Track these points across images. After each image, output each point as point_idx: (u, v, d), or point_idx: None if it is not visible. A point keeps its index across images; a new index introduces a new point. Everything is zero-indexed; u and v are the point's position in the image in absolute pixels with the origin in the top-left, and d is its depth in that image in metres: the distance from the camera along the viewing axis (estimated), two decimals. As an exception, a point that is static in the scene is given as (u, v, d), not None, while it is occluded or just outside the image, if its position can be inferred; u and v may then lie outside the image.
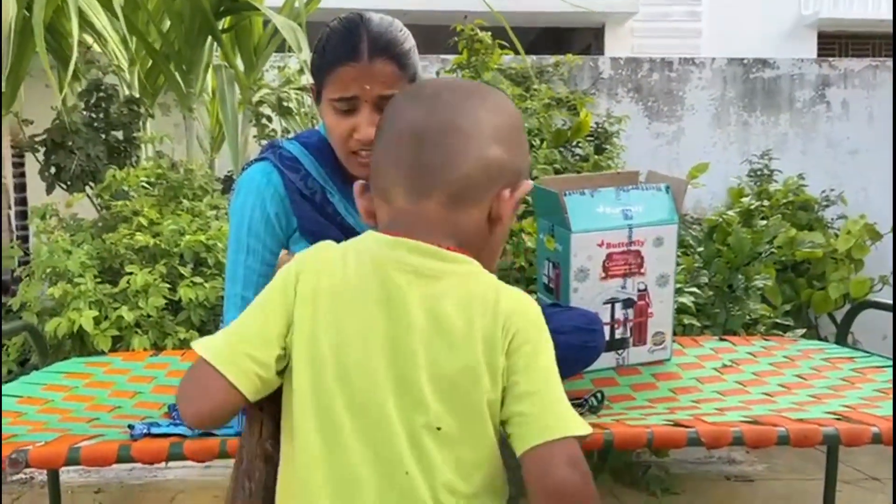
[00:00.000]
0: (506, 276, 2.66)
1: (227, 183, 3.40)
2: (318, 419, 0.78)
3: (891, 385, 1.68)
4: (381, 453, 0.77)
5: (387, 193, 0.85)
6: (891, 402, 1.52)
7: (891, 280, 3.26)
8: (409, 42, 1.41)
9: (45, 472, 2.17)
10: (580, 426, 0.77)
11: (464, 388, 0.77)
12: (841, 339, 2.17)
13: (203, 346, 0.81)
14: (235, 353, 0.80)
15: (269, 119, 3.37)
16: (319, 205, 1.45)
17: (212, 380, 0.79)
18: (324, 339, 0.79)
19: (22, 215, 3.33)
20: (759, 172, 3.66)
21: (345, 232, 1.47)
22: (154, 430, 1.40)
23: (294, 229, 1.44)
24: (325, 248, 0.86)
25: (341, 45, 1.36)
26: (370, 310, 0.79)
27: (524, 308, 0.81)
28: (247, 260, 1.42)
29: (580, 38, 8.23)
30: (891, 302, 2.02)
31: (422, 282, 0.79)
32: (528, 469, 0.76)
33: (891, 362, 1.88)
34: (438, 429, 0.76)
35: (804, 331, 2.86)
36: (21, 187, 3.34)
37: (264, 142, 3.28)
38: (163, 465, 2.50)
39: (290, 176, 1.43)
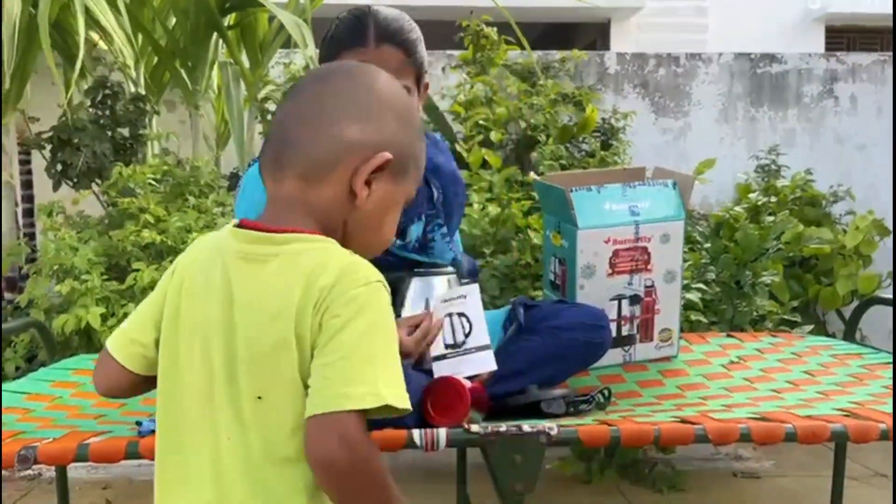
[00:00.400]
0: (511, 272, 2.65)
1: (233, 180, 3.40)
2: (165, 396, 0.88)
3: (899, 382, 1.68)
4: (210, 421, 0.83)
5: (263, 180, 0.92)
6: (900, 398, 1.51)
7: (899, 276, 3.25)
8: (417, 33, 1.43)
9: (52, 468, 2.17)
10: (361, 402, 0.76)
11: (278, 360, 0.80)
12: (849, 336, 2.16)
13: (109, 336, 0.98)
14: (125, 338, 0.94)
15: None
16: None
17: (109, 362, 0.95)
18: (177, 326, 0.87)
19: (29, 212, 3.34)
20: (766, 168, 3.65)
21: None
22: (161, 427, 1.40)
23: None
24: (202, 240, 0.93)
25: (349, 32, 1.38)
26: (209, 298, 0.85)
27: (343, 284, 0.80)
28: None
29: (585, 33, 8.20)
30: (899, 298, 2.01)
31: (251, 267, 0.84)
32: (304, 439, 0.78)
33: (899, 359, 1.87)
34: (259, 398, 0.81)
35: (812, 327, 2.85)
36: (28, 184, 3.35)
37: (270, 139, 3.28)
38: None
39: None
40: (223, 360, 0.83)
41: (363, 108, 0.88)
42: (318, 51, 3.03)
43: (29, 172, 3.35)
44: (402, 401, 0.79)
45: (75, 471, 2.48)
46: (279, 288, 0.81)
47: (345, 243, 0.88)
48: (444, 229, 1.62)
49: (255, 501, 0.81)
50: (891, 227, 3.27)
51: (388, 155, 0.87)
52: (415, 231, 1.55)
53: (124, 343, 0.94)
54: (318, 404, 0.77)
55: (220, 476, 0.82)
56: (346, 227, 0.89)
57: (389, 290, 0.85)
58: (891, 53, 3.98)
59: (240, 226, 0.88)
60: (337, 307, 0.79)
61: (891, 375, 1.76)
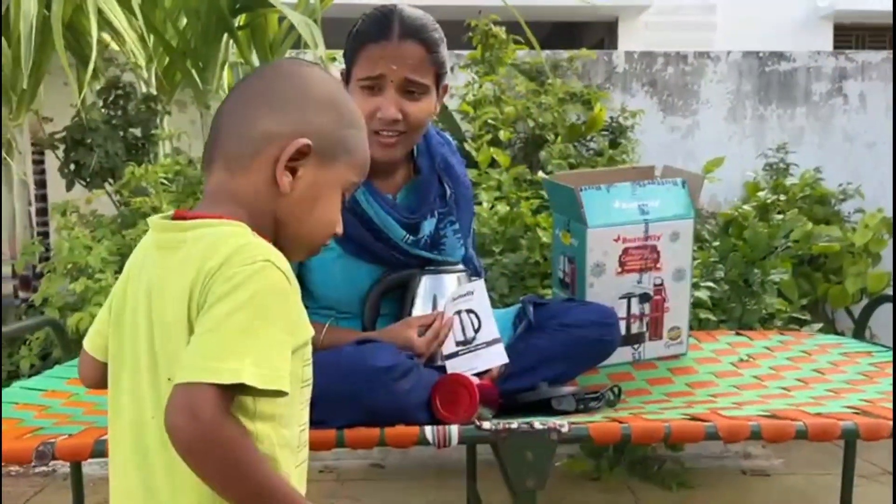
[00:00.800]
0: (520, 270, 2.66)
1: (244, 179, 3.42)
2: (111, 379, 0.93)
3: (909, 379, 1.68)
4: (139, 403, 0.88)
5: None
6: (909, 396, 1.52)
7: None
8: (440, 34, 1.49)
9: (67, 464, 2.20)
10: (216, 376, 0.76)
11: (180, 343, 0.83)
12: (858, 334, 2.17)
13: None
14: (93, 330, 1.01)
15: (285, 115, 3.39)
16: None
17: (84, 355, 1.02)
18: (118, 314, 0.92)
19: (43, 212, 3.37)
20: (775, 166, 3.64)
21: (362, 221, 1.50)
22: (177, 424, 1.42)
23: None
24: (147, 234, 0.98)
25: (374, 26, 1.44)
26: (137, 287, 0.89)
27: (228, 264, 0.81)
28: None
29: (593, 32, 8.21)
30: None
31: (162, 254, 0.88)
32: None
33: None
34: (168, 379, 0.82)
35: (821, 325, 2.85)
36: (41, 184, 3.39)
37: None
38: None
39: None
40: (146, 344, 0.86)
41: (282, 99, 0.92)
42: (327, 51, 3.06)
43: (42, 172, 3.39)
44: (267, 381, 0.78)
45: (89, 467, 2.49)
46: (179, 273, 0.84)
47: (277, 237, 0.91)
48: (457, 226, 1.63)
49: (170, 481, 0.84)
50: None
51: (304, 140, 0.89)
52: (427, 227, 1.57)
53: (92, 335, 1.01)
54: (179, 374, 0.78)
55: (144, 457, 0.87)
56: (276, 216, 0.91)
57: (286, 270, 0.84)
58: (900, 51, 3.98)
59: (168, 217, 0.91)
60: (216, 286, 0.80)
61: (900, 373, 1.76)
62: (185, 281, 0.82)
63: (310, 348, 0.91)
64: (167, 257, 0.87)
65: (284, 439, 0.86)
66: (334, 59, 3.43)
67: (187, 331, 0.82)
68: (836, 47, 7.52)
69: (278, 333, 0.81)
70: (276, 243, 0.89)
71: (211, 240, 0.84)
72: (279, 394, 0.80)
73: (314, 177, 0.91)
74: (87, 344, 1.01)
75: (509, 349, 1.56)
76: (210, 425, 0.75)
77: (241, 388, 0.78)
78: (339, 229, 0.97)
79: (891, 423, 1.35)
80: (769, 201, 3.27)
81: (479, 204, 2.83)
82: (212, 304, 0.80)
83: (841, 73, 3.94)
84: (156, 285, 0.86)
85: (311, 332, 0.90)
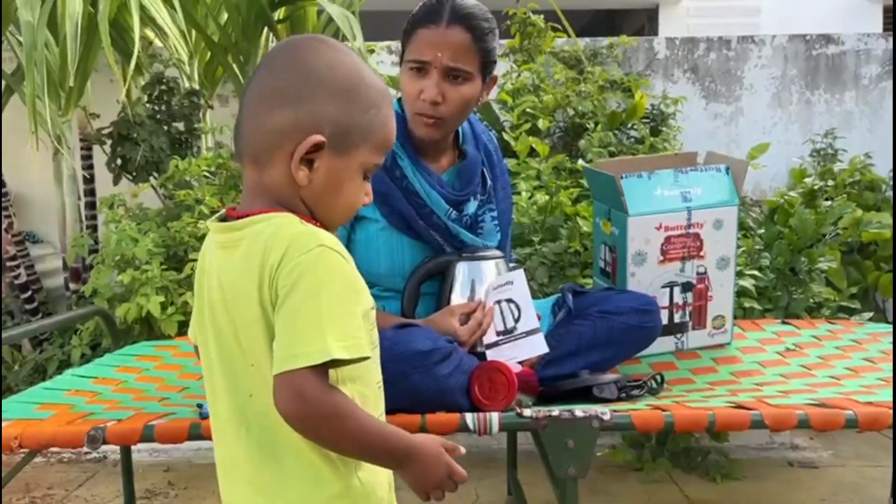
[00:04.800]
0: (560, 260, 2.65)
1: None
2: (204, 361, 0.98)
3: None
4: (234, 387, 0.93)
5: None
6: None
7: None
8: (491, 24, 1.52)
9: (117, 451, 2.26)
10: (308, 359, 0.83)
11: (257, 333, 0.89)
12: (894, 320, 2.10)
13: None
14: (191, 324, 1.03)
15: (324, 108, 3.42)
16: (388, 167, 1.53)
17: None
18: (200, 307, 0.97)
19: (91, 205, 3.45)
20: (822, 152, 3.55)
21: (408, 195, 1.53)
22: (222, 410, 1.45)
23: None
24: None
25: (426, 10, 1.50)
26: (210, 283, 0.94)
27: (288, 256, 0.87)
28: None
29: (633, 19, 8.08)
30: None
31: (225, 253, 0.93)
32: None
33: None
34: (252, 365, 0.90)
35: (871, 314, 2.78)
36: (90, 179, 3.47)
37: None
38: (227, 445, 2.58)
39: None
40: (231, 335, 0.92)
41: (295, 91, 0.92)
42: (366, 43, 3.07)
43: (91, 167, 3.47)
44: (353, 351, 0.86)
45: (138, 454, 2.57)
46: (245, 269, 0.89)
47: (313, 215, 0.95)
48: (495, 213, 1.65)
49: (272, 451, 0.90)
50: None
51: (316, 138, 0.90)
52: (470, 207, 1.61)
53: (191, 326, 1.04)
54: (275, 366, 0.85)
55: (248, 429, 0.92)
56: (306, 203, 0.94)
57: (338, 248, 0.89)
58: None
59: (223, 217, 0.96)
60: (282, 279, 0.86)
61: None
62: (253, 278, 0.88)
63: (374, 313, 0.96)
64: (230, 256, 0.92)
65: (365, 397, 0.93)
66: (372, 52, 3.44)
67: (263, 322, 0.88)
68: (885, 29, 7.28)
69: (350, 306, 0.88)
70: (317, 223, 0.95)
71: (267, 235, 0.89)
72: (363, 359, 0.88)
73: (332, 166, 0.92)
74: (190, 334, 1.05)
75: (548, 336, 1.56)
76: (317, 402, 0.84)
77: (333, 362, 0.85)
78: (369, 199, 0.98)
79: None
80: (816, 188, 3.19)
81: (518, 194, 2.82)
82: (283, 297, 0.86)
83: (891, 55, 3.82)
84: (227, 283, 0.92)
85: (371, 299, 0.95)
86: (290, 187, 0.92)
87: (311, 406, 0.84)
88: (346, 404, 0.87)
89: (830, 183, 3.26)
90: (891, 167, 3.46)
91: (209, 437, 1.35)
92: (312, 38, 0.99)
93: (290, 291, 0.86)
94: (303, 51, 0.95)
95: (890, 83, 3.81)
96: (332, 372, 0.88)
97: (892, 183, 3.39)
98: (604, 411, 1.33)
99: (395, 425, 1.17)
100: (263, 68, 0.96)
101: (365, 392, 0.93)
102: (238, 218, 0.92)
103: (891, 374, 1.67)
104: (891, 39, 3.84)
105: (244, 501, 0.93)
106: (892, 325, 2.31)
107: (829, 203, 3.03)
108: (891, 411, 1.31)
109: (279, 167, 0.91)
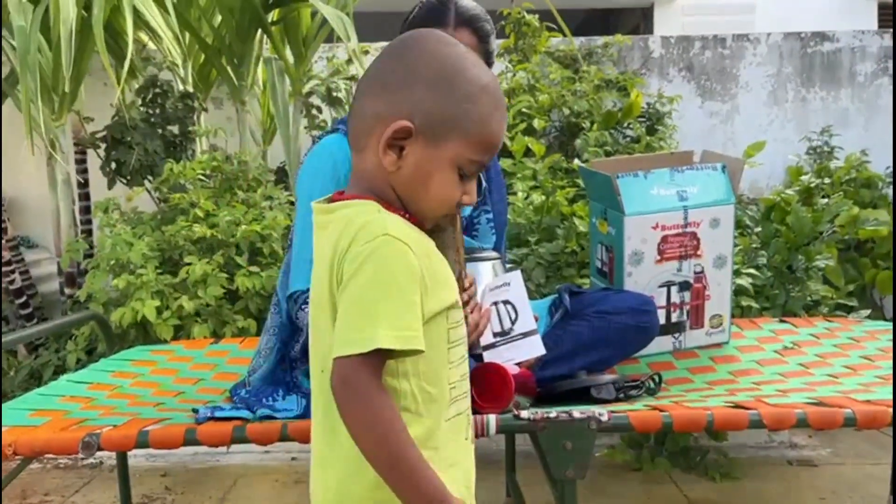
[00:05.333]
0: (557, 260, 2.64)
1: (280, 174, 3.45)
2: None
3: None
4: (316, 361, 0.96)
5: None
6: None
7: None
8: (491, 25, 1.55)
9: (113, 456, 2.25)
10: (355, 347, 0.85)
11: (328, 313, 0.92)
12: (894, 315, 2.10)
13: None
14: None
15: (319, 110, 3.41)
16: None
17: None
18: None
19: (86, 210, 3.44)
20: (818, 150, 3.55)
21: None
22: (217, 414, 1.44)
23: None
24: None
25: (431, 13, 1.50)
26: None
27: (354, 243, 0.89)
28: None
29: (628, 18, 8.08)
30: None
31: (318, 234, 0.97)
32: None
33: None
34: (325, 342, 0.92)
35: (869, 312, 2.77)
36: (84, 183, 3.46)
37: (315, 133, 3.32)
38: (224, 450, 2.57)
39: None
40: (317, 310, 0.95)
41: (393, 78, 0.94)
42: (360, 44, 3.06)
43: (85, 171, 3.46)
44: (405, 342, 0.85)
45: (134, 459, 2.55)
46: (324, 252, 0.93)
47: (404, 205, 0.95)
48: (490, 216, 1.63)
49: (328, 427, 0.93)
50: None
51: (402, 123, 0.91)
52: (465, 210, 1.61)
53: None
54: (334, 350, 0.88)
55: (327, 400, 0.92)
56: (396, 192, 0.94)
57: (405, 237, 0.89)
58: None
59: (329, 199, 0.99)
60: (347, 265, 0.88)
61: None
62: (326, 261, 0.91)
63: (457, 311, 0.96)
64: (320, 237, 0.96)
65: (430, 396, 0.92)
66: (367, 52, 3.44)
67: (330, 304, 0.91)
68: (880, 26, 7.29)
69: (408, 296, 0.88)
70: (407, 213, 0.95)
71: (346, 220, 0.92)
72: (416, 352, 0.87)
73: (421, 155, 0.92)
74: None
75: (546, 337, 1.55)
76: (357, 392, 0.85)
77: (387, 353, 0.86)
78: (468, 199, 0.97)
79: (945, 410, 1.30)
80: (813, 185, 3.19)
81: (514, 194, 2.81)
82: (346, 283, 0.89)
83: (886, 52, 3.82)
84: (316, 261, 0.96)
85: (453, 297, 0.94)
86: (381, 174, 0.93)
87: (351, 394, 0.85)
88: (384, 411, 0.85)
89: (827, 181, 3.26)
90: (887, 164, 3.46)
91: (205, 443, 1.35)
92: (426, 31, 0.99)
93: (352, 277, 0.87)
94: (410, 41, 0.97)
95: (885, 80, 3.81)
96: (393, 364, 0.89)
97: (888, 180, 3.39)
98: (602, 412, 1.33)
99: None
100: (376, 59, 0.98)
101: (429, 390, 0.92)
102: (335, 202, 0.96)
103: (889, 372, 1.66)
104: (886, 36, 3.84)
105: (312, 468, 0.97)
106: (890, 323, 2.31)
107: (825, 201, 3.02)
108: (889, 409, 1.31)
109: (371, 152, 0.93)
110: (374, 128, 0.93)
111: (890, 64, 3.81)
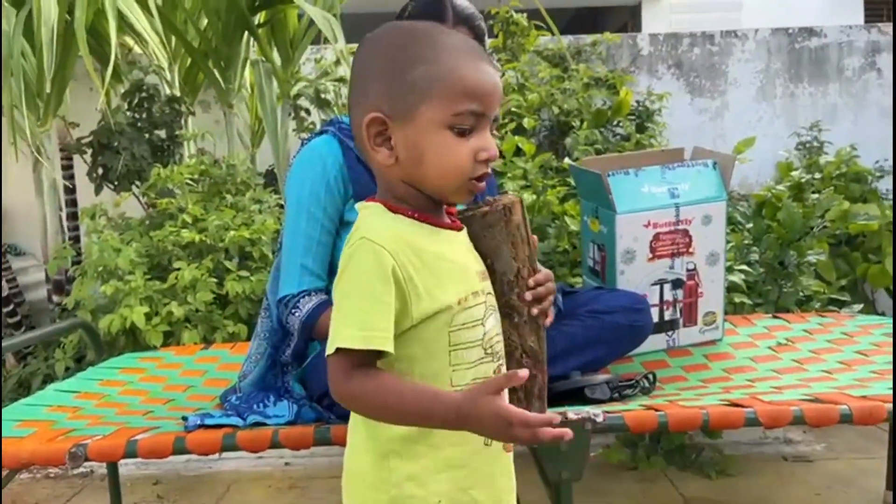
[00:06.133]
0: (549, 259, 2.63)
1: (269, 177, 3.42)
2: None
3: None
4: None
5: None
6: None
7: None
8: (484, 25, 1.54)
9: (104, 464, 2.22)
10: (332, 345, 0.87)
11: None
12: (894, 312, 2.10)
13: None
14: None
15: (308, 112, 3.39)
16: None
17: None
18: None
19: (73, 216, 3.40)
20: (808, 145, 3.55)
21: None
22: (207, 421, 1.42)
23: (350, 196, 1.47)
24: None
25: (427, 9, 1.47)
26: None
27: (344, 251, 0.91)
28: (306, 227, 1.47)
29: (616, 16, 8.09)
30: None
31: None
32: None
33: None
34: None
35: (861, 306, 2.78)
36: (71, 189, 3.42)
37: (304, 135, 3.30)
38: (217, 456, 2.55)
39: (348, 143, 1.48)
40: None
41: (357, 84, 0.94)
42: (347, 45, 3.04)
43: (72, 177, 3.42)
44: (364, 342, 0.86)
45: (126, 467, 2.53)
46: None
47: (425, 195, 0.93)
48: None
49: (350, 422, 0.98)
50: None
51: (370, 116, 0.91)
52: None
53: None
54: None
55: None
56: (408, 183, 0.93)
57: (383, 241, 0.88)
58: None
59: None
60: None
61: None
62: None
63: (469, 312, 0.92)
64: None
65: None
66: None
67: None
68: (867, 21, 7.32)
69: (377, 296, 0.87)
70: (431, 199, 0.94)
71: (354, 226, 0.94)
72: (382, 353, 0.88)
73: (404, 136, 0.91)
74: None
75: (539, 338, 1.54)
76: (342, 386, 0.88)
77: (366, 352, 0.87)
78: (485, 154, 0.91)
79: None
80: (803, 181, 3.19)
81: (505, 193, 2.79)
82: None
83: (874, 46, 3.83)
84: None
85: (454, 298, 0.91)
86: (387, 172, 0.93)
87: (338, 389, 0.89)
88: (364, 387, 0.87)
89: (817, 176, 3.26)
90: (876, 159, 3.47)
91: (194, 452, 1.33)
92: (377, 30, 0.96)
93: (336, 282, 0.91)
94: (361, 44, 0.96)
95: (873, 74, 3.82)
96: (388, 363, 0.90)
97: (878, 174, 3.39)
98: (597, 413, 1.31)
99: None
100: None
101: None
102: None
103: (883, 367, 1.66)
104: (873, 31, 3.85)
105: None
106: (883, 317, 2.31)
107: (816, 196, 3.02)
108: (885, 405, 1.30)
109: (370, 157, 0.94)
110: (359, 135, 0.93)
111: (877, 58, 3.82)
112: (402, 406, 0.87)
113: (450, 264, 0.92)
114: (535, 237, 1.05)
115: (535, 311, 1.01)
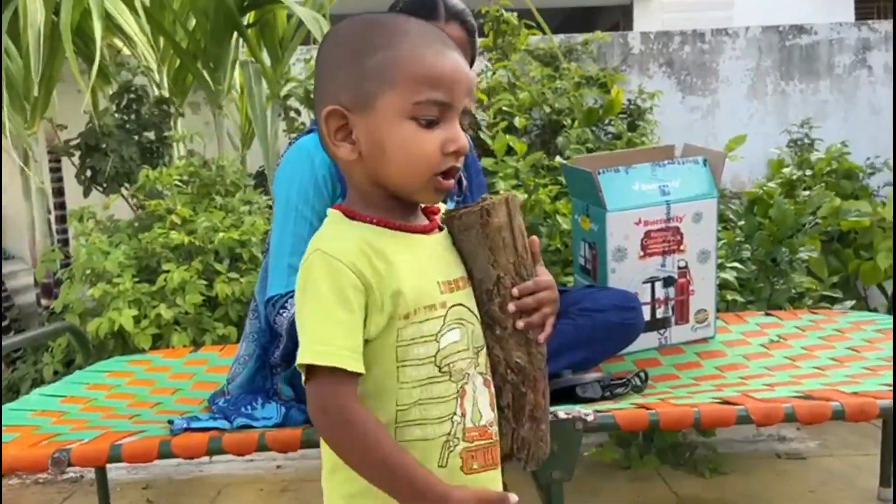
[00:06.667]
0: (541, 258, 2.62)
1: (259, 178, 3.41)
2: None
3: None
4: None
5: None
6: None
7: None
8: (475, 23, 1.55)
9: (93, 469, 2.20)
10: (300, 360, 0.84)
11: None
12: (893, 310, 2.09)
13: None
14: None
15: (298, 112, 3.37)
16: None
17: None
18: None
19: (62, 219, 3.38)
20: (799, 142, 3.55)
21: None
22: (193, 425, 1.40)
23: (338, 195, 1.46)
24: None
25: (419, 6, 1.46)
26: None
27: (299, 271, 0.88)
28: (295, 226, 1.45)
29: (608, 15, 8.10)
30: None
31: None
32: None
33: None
34: None
35: (853, 303, 2.77)
36: (60, 192, 3.40)
37: (294, 135, 3.28)
38: (208, 459, 2.53)
39: None
40: None
41: (318, 82, 0.91)
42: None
43: (60, 179, 3.40)
44: (316, 357, 0.82)
45: (116, 471, 2.50)
46: None
47: (394, 195, 0.88)
48: None
49: None
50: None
51: (327, 109, 0.86)
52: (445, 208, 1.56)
53: None
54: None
55: None
56: (371, 180, 0.88)
57: (335, 252, 0.84)
58: (926, 18, 3.85)
59: None
60: None
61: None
62: None
63: (421, 326, 0.86)
64: None
65: (377, 413, 0.86)
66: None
67: None
68: (858, 18, 7.34)
69: (330, 311, 0.83)
70: (400, 200, 0.89)
71: None
72: (335, 368, 0.83)
73: (365, 127, 0.86)
74: None
75: (530, 337, 1.53)
76: (313, 406, 0.84)
77: (342, 371, 0.82)
78: (453, 146, 0.86)
79: (933, 400, 1.29)
80: (794, 178, 3.19)
81: (496, 192, 2.78)
82: None
83: (864, 43, 3.83)
84: None
85: (404, 310, 0.85)
86: (350, 169, 0.89)
87: (309, 406, 0.85)
88: (335, 414, 0.83)
89: (808, 173, 3.26)
90: (867, 155, 3.47)
91: (180, 455, 1.31)
92: (345, 20, 0.92)
93: (296, 297, 0.87)
94: (322, 41, 0.93)
95: (864, 71, 3.82)
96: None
97: (869, 171, 3.39)
98: (587, 412, 1.30)
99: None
100: None
101: (372, 405, 0.86)
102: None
103: (875, 363, 1.65)
104: (864, 28, 3.86)
105: None
106: (874, 313, 2.31)
107: (807, 193, 3.02)
108: (877, 401, 1.29)
109: (333, 154, 0.89)
110: (320, 131, 0.88)
111: (867, 56, 3.82)
112: (380, 471, 0.83)
113: (404, 273, 0.85)
114: (533, 240, 0.95)
115: (520, 323, 0.92)
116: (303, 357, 0.83)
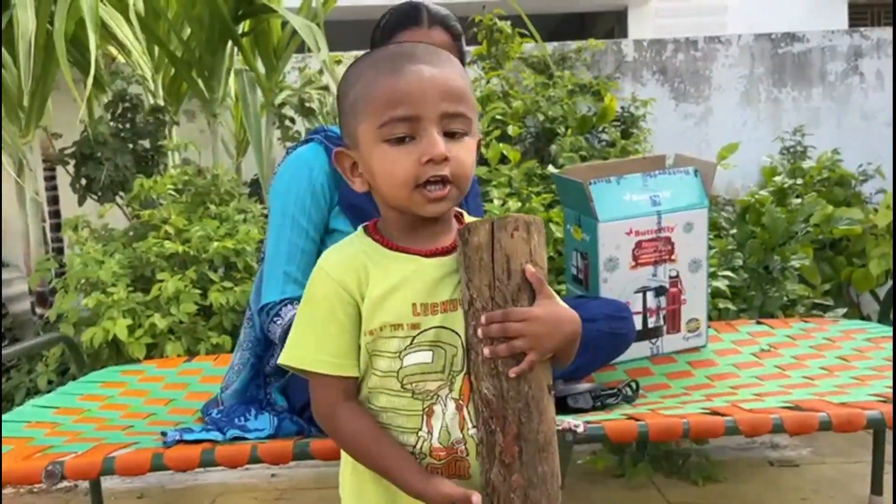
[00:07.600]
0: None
1: (254, 186, 3.41)
2: None
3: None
4: None
5: None
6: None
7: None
8: (460, 28, 1.57)
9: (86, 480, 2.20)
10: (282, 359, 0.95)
11: None
12: (884, 318, 2.11)
13: None
14: None
15: (293, 121, 3.38)
16: None
17: None
18: None
19: (56, 228, 3.38)
20: (791, 150, 3.57)
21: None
22: (187, 437, 1.40)
23: (335, 204, 1.47)
24: None
25: (404, 15, 1.51)
26: None
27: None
28: (291, 235, 1.47)
29: (602, 22, 8.13)
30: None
31: None
32: None
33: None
34: None
35: (845, 310, 2.78)
36: (54, 200, 3.40)
37: (288, 144, 3.29)
38: (202, 468, 2.53)
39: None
40: None
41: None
42: (331, 54, 3.04)
43: (55, 188, 3.40)
44: (293, 360, 0.94)
45: (110, 480, 2.50)
46: None
47: (399, 209, 0.93)
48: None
49: None
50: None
51: (334, 155, 0.98)
52: None
53: None
54: None
55: None
56: (383, 202, 0.96)
57: (331, 267, 0.93)
58: (917, 26, 3.88)
59: None
60: None
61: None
62: None
63: (372, 341, 0.91)
64: None
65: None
66: (339, 62, 3.41)
67: None
68: (850, 26, 7.38)
69: (314, 320, 0.93)
70: (419, 219, 0.92)
71: None
72: (315, 373, 0.93)
73: (360, 161, 0.94)
74: None
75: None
76: (314, 406, 0.95)
77: (329, 375, 0.93)
78: (426, 156, 0.87)
79: (919, 411, 1.30)
80: (787, 185, 3.20)
81: (490, 201, 2.79)
82: None
83: (856, 51, 3.85)
84: None
85: (375, 323, 0.91)
86: (375, 198, 0.97)
87: (318, 417, 0.96)
88: (345, 427, 0.93)
89: (800, 180, 3.28)
90: (859, 162, 3.48)
91: (173, 468, 1.32)
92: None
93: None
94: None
95: (856, 79, 3.85)
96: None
97: (861, 178, 3.41)
98: (577, 424, 1.31)
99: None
100: None
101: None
102: None
103: (865, 373, 1.66)
104: (856, 36, 3.88)
105: None
106: (865, 322, 2.32)
107: (799, 200, 3.04)
108: (864, 412, 1.30)
109: (355, 189, 0.98)
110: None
111: (860, 63, 3.85)
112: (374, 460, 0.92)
113: (389, 290, 0.90)
114: (528, 269, 0.88)
115: (485, 351, 0.87)
116: (281, 358, 0.94)
